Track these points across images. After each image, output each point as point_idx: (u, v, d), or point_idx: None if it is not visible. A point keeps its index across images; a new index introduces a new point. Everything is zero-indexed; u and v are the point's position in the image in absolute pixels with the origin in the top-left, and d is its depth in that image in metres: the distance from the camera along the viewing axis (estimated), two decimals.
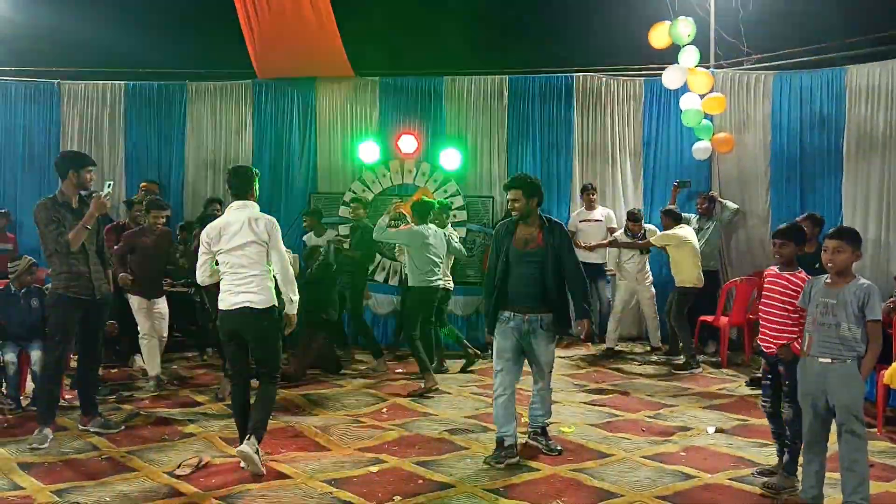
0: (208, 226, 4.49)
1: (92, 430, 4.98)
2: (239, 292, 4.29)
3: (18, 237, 8.45)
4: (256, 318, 4.30)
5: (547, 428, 4.83)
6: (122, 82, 9.34)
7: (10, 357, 5.53)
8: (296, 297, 4.41)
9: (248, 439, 4.25)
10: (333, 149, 9.10)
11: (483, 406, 5.82)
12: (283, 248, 4.42)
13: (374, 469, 4.43)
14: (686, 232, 7.41)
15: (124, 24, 9.36)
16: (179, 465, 4.35)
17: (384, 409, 5.78)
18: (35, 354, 5.51)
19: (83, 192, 4.92)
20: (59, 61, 9.43)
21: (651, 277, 7.99)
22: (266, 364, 4.46)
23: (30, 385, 5.69)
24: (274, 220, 4.42)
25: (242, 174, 4.52)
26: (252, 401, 4.47)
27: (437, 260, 6.46)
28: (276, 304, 4.39)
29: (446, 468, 4.45)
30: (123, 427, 5.12)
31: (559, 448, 4.72)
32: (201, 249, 4.45)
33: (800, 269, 4.19)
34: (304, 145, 9.15)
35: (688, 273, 7.26)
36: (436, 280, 6.46)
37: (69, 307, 4.82)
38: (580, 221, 8.52)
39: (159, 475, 4.26)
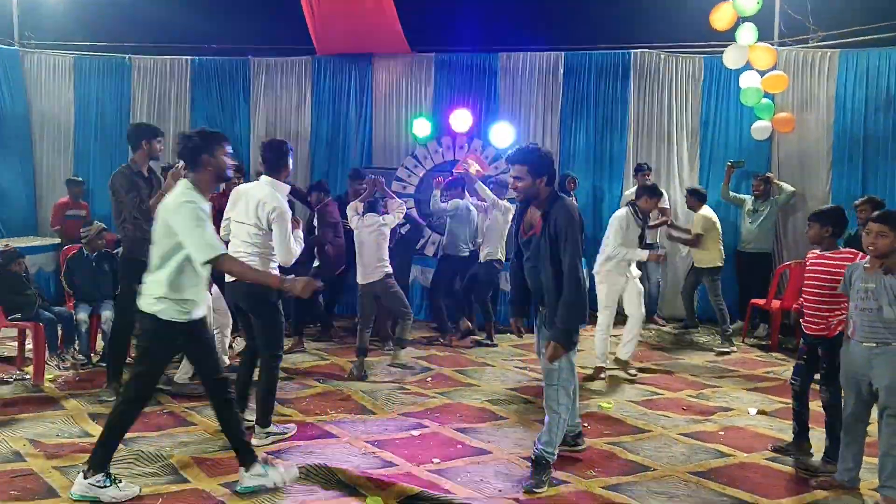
0: (237, 187, 4.53)
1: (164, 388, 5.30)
2: None
3: (91, 205, 8.94)
4: (246, 292, 4.23)
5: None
6: (189, 57, 9.67)
7: (83, 316, 5.95)
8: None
9: (255, 431, 4.33)
10: (388, 124, 9.27)
11: (525, 380, 5.95)
12: (289, 236, 4.21)
13: (415, 433, 4.63)
14: (712, 213, 7.57)
15: (190, 1, 9.66)
16: None
17: (429, 378, 5.97)
18: (105, 314, 5.91)
19: (152, 162, 5.23)
20: (130, 37, 9.84)
21: None
22: (261, 340, 4.36)
23: (100, 343, 6.09)
24: (283, 209, 4.21)
25: (276, 149, 4.36)
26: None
27: (466, 231, 6.98)
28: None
29: (485, 436, 4.61)
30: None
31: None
32: (227, 207, 4.50)
33: (840, 248, 4.17)
34: (360, 120, 9.34)
35: (716, 252, 7.45)
36: (464, 250, 6.93)
37: (136, 270, 5.10)
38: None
39: (215, 428, 4.53)
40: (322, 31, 8.97)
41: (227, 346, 5.82)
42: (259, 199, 4.23)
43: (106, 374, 5.27)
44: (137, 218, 5.02)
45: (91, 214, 8.33)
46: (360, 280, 6.01)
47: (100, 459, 3.56)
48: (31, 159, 9.56)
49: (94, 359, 6.01)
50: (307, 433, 4.56)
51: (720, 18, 7.58)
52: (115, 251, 6.02)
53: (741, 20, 7.52)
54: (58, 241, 8.26)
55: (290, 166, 4.43)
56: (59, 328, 6.01)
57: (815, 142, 8.20)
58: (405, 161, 8.75)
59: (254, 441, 4.14)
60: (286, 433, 4.48)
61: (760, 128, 8.07)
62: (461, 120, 8.49)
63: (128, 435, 4.34)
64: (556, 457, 3.90)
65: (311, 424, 4.73)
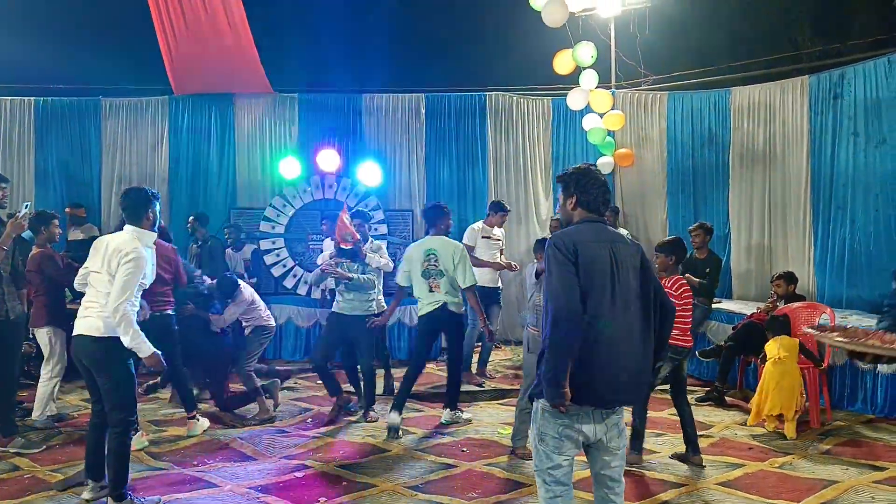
0: (99, 237, 4.30)
1: (12, 450, 4.96)
2: (82, 317, 4.03)
3: None
4: (89, 346, 3.97)
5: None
6: (31, 98, 9.14)
7: None
8: (127, 338, 3.89)
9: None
10: (253, 164, 9.22)
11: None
12: (127, 286, 3.87)
13: (299, 474, 4.64)
14: None
15: (32, 38, 9.17)
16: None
17: (309, 419, 5.97)
18: None
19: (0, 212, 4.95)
20: None
21: None
22: (107, 401, 4.00)
23: None
24: (138, 256, 3.92)
25: (133, 197, 4.14)
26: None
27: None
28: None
29: (369, 470, 4.71)
30: (44, 447, 5.11)
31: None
32: (89, 256, 4.20)
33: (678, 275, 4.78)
34: (223, 161, 9.23)
35: None
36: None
37: None
38: (482, 237, 7.46)
39: (82, 493, 4.29)
40: (180, 69, 8.81)
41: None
42: (115, 246, 3.99)
43: None
44: None
45: None
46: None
47: None
48: None
49: None
50: (185, 485, 4.44)
51: (561, 64, 8.29)
52: None
53: (581, 68, 8.28)
54: None
55: (155, 213, 4.18)
56: None
57: (651, 175, 9.10)
58: (273, 201, 8.72)
59: None
60: None
61: (604, 163, 8.84)
62: (328, 159, 8.62)
63: None
64: None
65: (189, 476, 4.61)
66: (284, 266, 8.47)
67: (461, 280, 5.57)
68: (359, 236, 5.96)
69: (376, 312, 6.03)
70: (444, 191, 9.29)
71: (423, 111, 9.37)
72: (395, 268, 6.28)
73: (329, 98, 9.41)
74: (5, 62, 9.10)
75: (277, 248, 8.53)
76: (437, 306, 5.59)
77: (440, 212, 5.74)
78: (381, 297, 6.35)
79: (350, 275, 5.83)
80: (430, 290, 5.61)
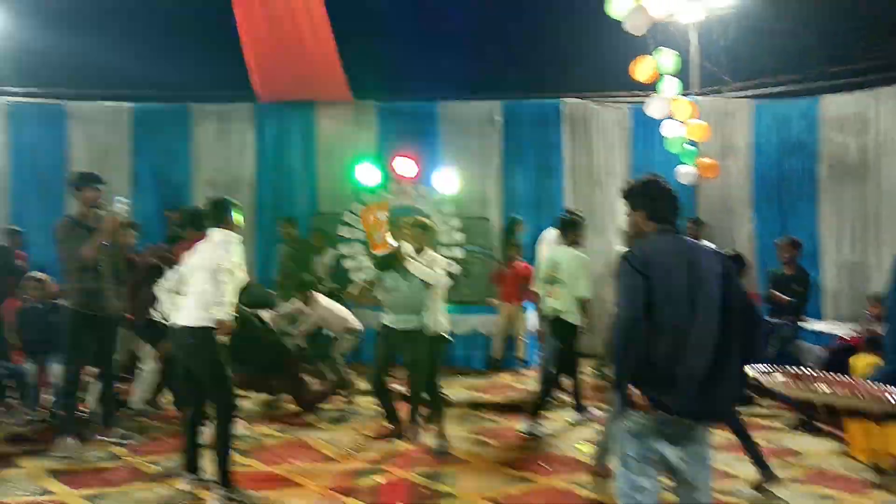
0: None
1: (112, 440, 5.23)
2: (179, 309, 4.35)
3: (29, 255, 8.66)
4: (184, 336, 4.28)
5: None
6: (128, 104, 9.59)
7: (30, 370, 5.80)
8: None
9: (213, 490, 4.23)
10: (334, 171, 9.39)
11: (480, 421, 6.14)
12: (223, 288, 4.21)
13: (380, 479, 4.73)
14: None
15: (129, 46, 9.61)
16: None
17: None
18: (53, 368, 5.77)
19: (99, 210, 5.14)
20: (66, 83, 9.68)
21: None
22: (208, 390, 4.33)
23: (48, 397, 5.93)
24: (222, 260, 4.22)
25: (214, 205, 4.46)
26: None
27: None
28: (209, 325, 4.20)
29: (448, 480, 4.75)
30: (142, 438, 5.37)
31: None
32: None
33: None
34: (306, 167, 9.48)
35: None
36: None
37: (81, 324, 5.06)
38: None
39: (177, 482, 4.50)
40: (264, 77, 9.09)
41: None
42: (204, 251, 4.30)
43: (58, 429, 5.12)
44: (72, 267, 5.00)
45: (30, 265, 8.08)
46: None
47: None
48: None
49: (42, 415, 5.82)
50: (271, 483, 4.58)
51: (641, 71, 8.13)
52: (59, 302, 5.89)
53: (663, 74, 8.12)
54: None
55: (235, 219, 4.39)
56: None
57: (737, 186, 8.84)
58: (352, 207, 8.88)
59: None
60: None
61: (685, 173, 8.63)
62: (405, 166, 8.74)
63: (86, 491, 4.32)
64: None
65: (275, 474, 4.76)
66: (363, 271, 8.63)
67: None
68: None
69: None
70: (519, 200, 9.28)
71: (500, 118, 9.39)
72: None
73: (406, 106, 9.54)
74: (104, 69, 9.56)
75: (357, 253, 8.72)
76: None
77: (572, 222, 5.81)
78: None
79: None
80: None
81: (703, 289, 2.78)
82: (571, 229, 5.77)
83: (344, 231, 8.77)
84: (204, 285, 4.19)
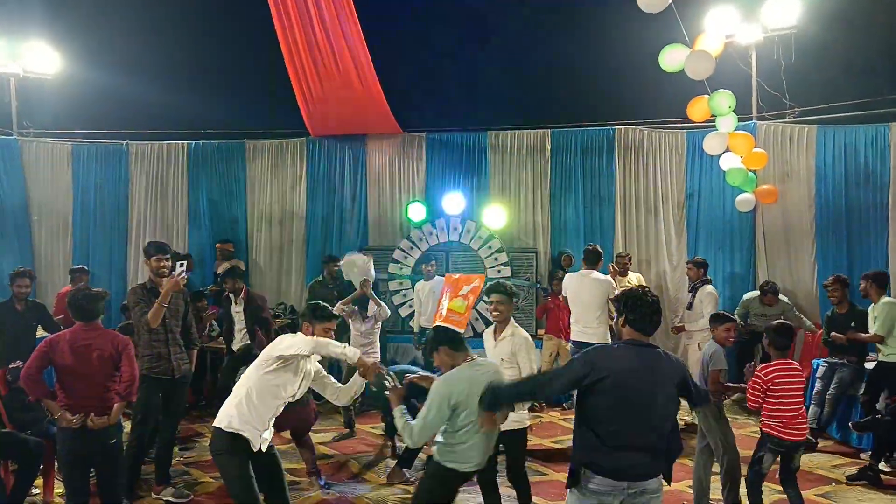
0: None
1: (164, 498, 5.37)
2: None
3: None
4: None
5: None
6: (185, 142, 9.91)
7: None
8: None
9: None
10: (383, 203, 9.49)
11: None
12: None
13: None
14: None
15: (186, 87, 9.89)
16: None
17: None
18: None
19: (164, 278, 5.26)
20: (126, 123, 10.04)
21: None
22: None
23: None
24: None
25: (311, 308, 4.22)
26: None
27: None
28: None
29: None
30: (191, 497, 5.48)
31: None
32: None
33: None
34: (355, 199, 9.57)
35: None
36: None
37: (151, 387, 5.22)
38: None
39: None
40: (314, 114, 9.21)
41: None
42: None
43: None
44: (141, 332, 5.18)
45: None
46: None
47: None
48: (30, 247, 9.62)
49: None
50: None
51: (696, 113, 7.87)
52: None
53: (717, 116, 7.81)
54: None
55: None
56: None
57: (797, 213, 8.45)
58: (401, 244, 8.93)
59: None
60: None
61: (744, 200, 8.31)
62: (454, 202, 8.73)
63: None
64: None
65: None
66: (410, 307, 8.65)
67: None
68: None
69: None
70: (569, 230, 9.13)
71: (549, 147, 9.26)
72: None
73: (455, 136, 9.51)
74: (163, 108, 9.86)
75: (405, 289, 8.74)
76: None
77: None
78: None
79: None
80: None
81: (655, 403, 3.07)
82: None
83: (393, 267, 8.80)
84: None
